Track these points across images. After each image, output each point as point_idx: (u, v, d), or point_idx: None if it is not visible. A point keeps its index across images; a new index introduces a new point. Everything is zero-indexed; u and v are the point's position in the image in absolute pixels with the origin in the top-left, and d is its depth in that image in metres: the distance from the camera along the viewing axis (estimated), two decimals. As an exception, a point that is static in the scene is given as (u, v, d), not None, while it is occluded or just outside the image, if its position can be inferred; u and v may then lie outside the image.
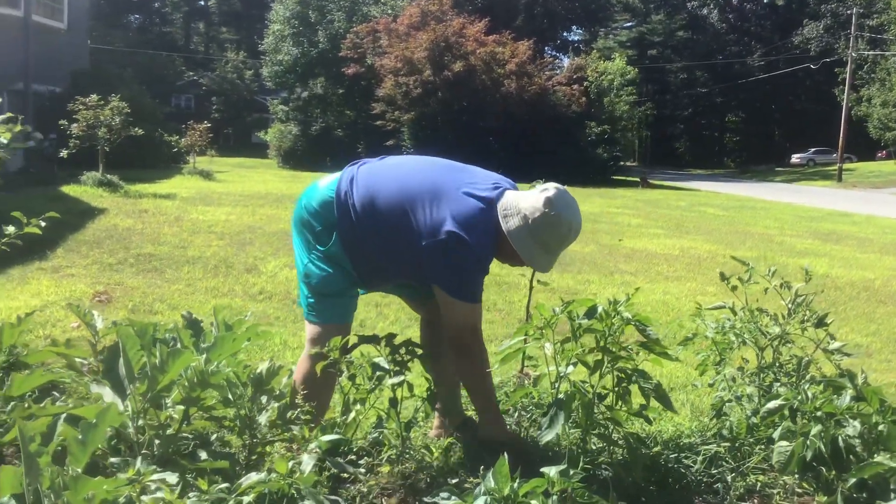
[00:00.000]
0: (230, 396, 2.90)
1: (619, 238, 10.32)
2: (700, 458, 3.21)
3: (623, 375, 2.64)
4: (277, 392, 3.11)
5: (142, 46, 48.76)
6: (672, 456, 3.29)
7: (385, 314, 5.64)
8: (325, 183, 3.00)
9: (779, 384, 3.24)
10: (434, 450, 3.39)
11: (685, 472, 3.16)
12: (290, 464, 2.06)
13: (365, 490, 2.86)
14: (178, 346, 2.68)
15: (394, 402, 2.94)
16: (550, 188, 2.72)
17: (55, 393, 3.48)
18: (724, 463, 3.16)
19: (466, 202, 2.74)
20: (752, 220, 14.43)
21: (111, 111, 11.41)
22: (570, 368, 2.61)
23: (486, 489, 2.03)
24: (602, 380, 2.65)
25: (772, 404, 2.68)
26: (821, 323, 3.32)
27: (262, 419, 2.94)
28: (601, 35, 56.41)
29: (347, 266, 2.96)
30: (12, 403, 2.62)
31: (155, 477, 1.95)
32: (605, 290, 6.87)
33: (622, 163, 33.98)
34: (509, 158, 26.17)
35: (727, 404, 3.19)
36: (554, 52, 47.43)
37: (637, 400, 3.85)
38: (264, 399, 3.02)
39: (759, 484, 2.97)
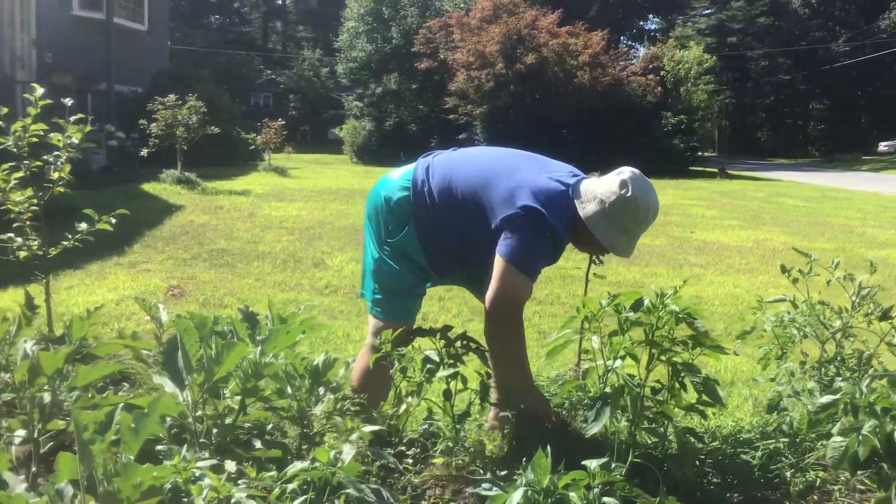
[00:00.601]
0: (285, 388, 2.99)
1: (690, 230, 10.15)
2: (759, 454, 3.16)
3: (673, 369, 2.62)
4: (334, 384, 3.19)
5: (221, 46, 49.88)
6: (730, 451, 3.25)
7: (448, 307, 5.68)
8: (398, 174, 3.03)
9: (840, 379, 3.16)
10: (488, 442, 3.42)
11: (743, 468, 3.12)
12: (332, 453, 2.11)
13: (417, 481, 2.90)
14: (234, 338, 2.77)
15: (448, 395, 2.97)
16: (626, 171, 2.70)
17: (126, 384, 3.62)
18: (783, 459, 3.10)
19: (546, 182, 2.72)
20: (833, 211, 14.00)
21: (188, 110, 11.74)
22: (619, 362, 2.59)
23: (527, 481, 2.04)
24: (650, 373, 2.63)
25: (825, 399, 2.61)
26: (885, 316, 3.23)
27: (317, 410, 3.01)
28: (679, 23, 55.32)
29: (419, 258, 2.98)
30: (76, 393, 2.74)
31: (200, 464, 2.01)
32: (671, 282, 6.76)
33: (700, 153, 33.24)
34: (582, 151, 25.92)
35: (788, 399, 3.13)
36: (629, 42, 46.73)
37: (694, 394, 3.81)
38: (321, 390, 3.09)
39: (818, 480, 2.91)
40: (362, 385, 3.14)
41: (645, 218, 2.68)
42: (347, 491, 2.19)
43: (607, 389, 2.57)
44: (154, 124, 11.77)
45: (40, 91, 3.86)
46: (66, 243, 4.04)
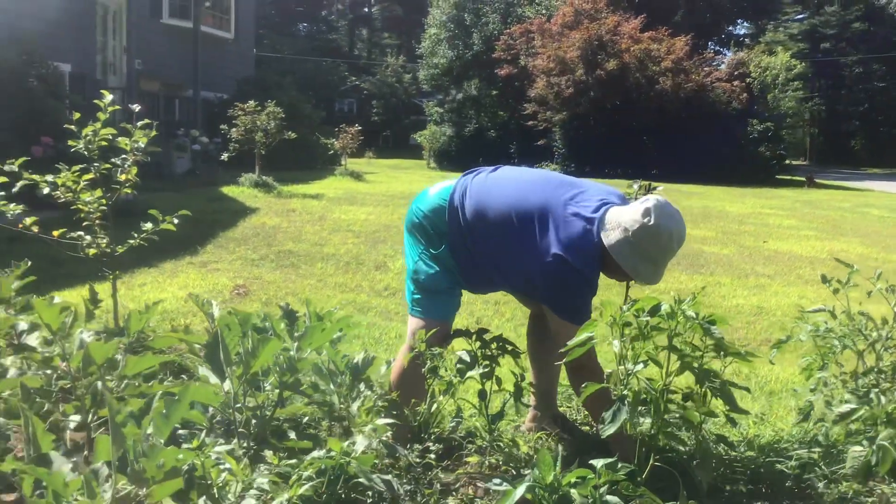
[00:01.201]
0: (327, 383, 3.12)
1: (763, 240, 9.96)
2: (792, 464, 3.16)
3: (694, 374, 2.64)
4: (373, 381, 3.31)
5: (309, 53, 50.93)
6: (763, 460, 3.25)
7: (502, 311, 5.75)
8: (435, 191, 3.16)
9: (877, 390, 3.12)
10: (521, 443, 3.49)
11: (775, 477, 3.11)
12: (346, 444, 2.21)
13: (450, 479, 2.99)
14: (272, 334, 2.92)
15: (482, 395, 3.06)
16: (651, 199, 2.77)
17: (184, 376, 3.82)
18: (817, 469, 3.09)
19: (572, 224, 2.81)
20: (921, 222, 13.52)
21: (267, 116, 12.10)
22: (640, 366, 2.63)
23: (533, 478, 2.11)
24: (676, 379, 2.65)
25: (844, 408, 2.60)
26: (925, 328, 3.18)
27: (355, 406, 3.14)
28: (770, 28, 53.98)
29: (454, 269, 3.10)
30: (125, 382, 2.92)
31: (218, 448, 2.15)
32: (735, 292, 6.69)
33: (788, 161, 32.36)
34: (664, 158, 25.57)
35: (821, 410, 3.10)
36: (717, 48, 45.81)
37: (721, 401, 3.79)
38: (362, 387, 3.22)
39: (850, 492, 2.89)
40: (399, 383, 3.26)
41: (668, 246, 2.73)
42: (360, 479, 2.30)
43: (625, 392, 2.62)
44: (234, 129, 12.16)
45: (109, 97, 4.10)
46: (132, 242, 4.28)
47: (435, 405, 3.15)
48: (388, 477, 2.26)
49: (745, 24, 53.72)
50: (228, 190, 11.60)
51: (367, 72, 52.98)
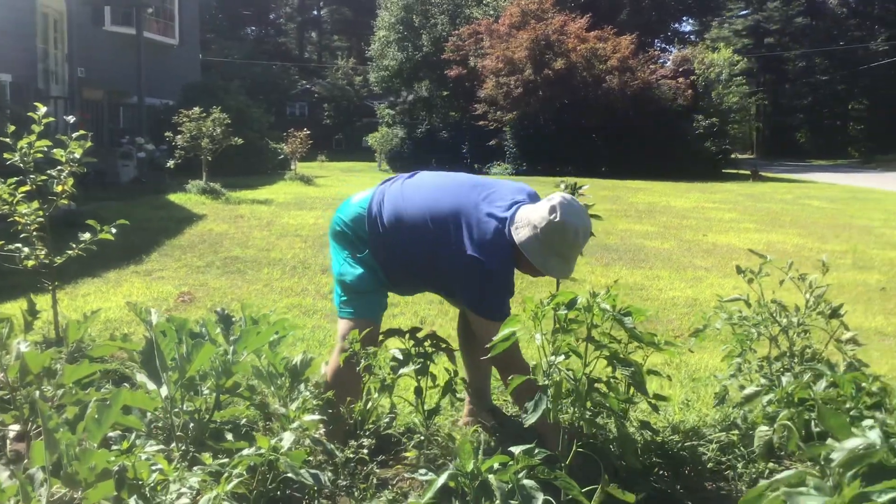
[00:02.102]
0: (258, 383, 3.21)
1: (703, 233, 10.21)
2: (713, 447, 3.32)
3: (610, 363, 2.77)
4: (312, 381, 3.40)
5: (258, 57, 50.63)
6: (688, 445, 3.40)
7: (446, 310, 5.85)
8: (357, 199, 3.27)
9: (789, 373, 3.29)
10: (458, 436, 3.60)
11: (696, 460, 3.27)
12: (273, 440, 2.30)
13: (390, 474, 3.09)
14: (208, 339, 2.98)
15: (418, 392, 3.16)
16: (556, 197, 2.90)
17: (126, 384, 3.86)
18: (736, 450, 3.25)
19: (486, 224, 2.94)
20: (859, 212, 13.92)
21: (213, 122, 12.06)
22: (561, 358, 2.74)
23: (454, 466, 2.21)
24: (589, 368, 2.77)
25: (749, 390, 2.75)
26: (834, 314, 3.37)
27: (293, 406, 3.22)
28: (714, 25, 54.92)
29: (379, 272, 3.21)
30: (62, 390, 2.98)
31: (148, 449, 2.22)
32: (672, 284, 6.87)
33: (734, 156, 32.98)
34: (612, 154, 25.94)
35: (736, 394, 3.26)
36: (663, 45, 46.51)
37: (651, 389, 3.95)
38: (302, 387, 3.31)
39: (767, 470, 3.05)
40: (334, 383, 3.35)
41: (574, 241, 2.87)
42: (289, 474, 2.38)
43: (546, 383, 2.74)
44: (180, 136, 12.12)
45: (43, 110, 4.13)
46: (70, 252, 4.31)
47: (370, 403, 3.24)
48: (316, 471, 2.35)
49: (690, 21, 54.59)
50: (175, 197, 11.55)
51: (318, 75, 52.83)
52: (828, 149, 52.31)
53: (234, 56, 47.14)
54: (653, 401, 3.32)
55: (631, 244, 9.10)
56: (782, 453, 3.00)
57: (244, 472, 2.33)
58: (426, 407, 3.20)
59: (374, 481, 2.84)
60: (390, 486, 2.95)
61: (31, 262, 4.22)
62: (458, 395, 3.41)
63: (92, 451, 2.17)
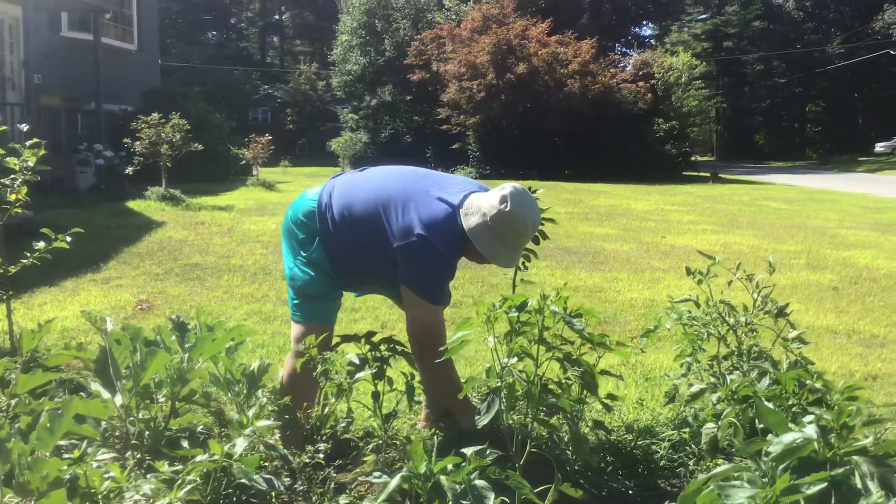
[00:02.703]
0: (215, 390, 3.21)
1: (662, 235, 10.34)
2: (665, 445, 3.38)
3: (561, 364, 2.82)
4: (269, 388, 3.41)
5: (219, 62, 50.26)
6: (641, 443, 3.47)
7: (402, 312, 5.88)
8: (311, 193, 3.28)
9: (737, 372, 3.36)
10: (415, 439, 3.62)
11: (649, 458, 3.33)
12: (227, 446, 2.32)
13: (349, 479, 3.11)
14: (162, 347, 2.99)
15: (375, 396, 3.18)
16: (507, 187, 2.93)
17: (82, 393, 3.84)
18: (687, 448, 3.32)
19: (435, 205, 2.96)
20: (814, 213, 14.19)
21: (172, 129, 11.98)
22: (514, 360, 2.78)
23: (407, 468, 2.25)
24: (541, 370, 2.81)
25: (693, 389, 2.82)
26: (780, 313, 3.44)
27: (251, 413, 3.23)
28: (674, 29, 55.59)
29: (329, 270, 3.22)
30: (15, 400, 2.97)
31: (101, 457, 2.23)
32: (630, 286, 6.97)
33: (694, 158, 33.40)
34: (575, 158, 26.15)
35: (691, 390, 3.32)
36: (624, 50, 46.93)
37: (603, 390, 4.02)
38: (259, 393, 3.32)
39: (716, 467, 3.11)
40: (289, 388, 3.36)
41: (523, 231, 2.90)
42: (242, 481, 2.40)
43: (498, 384, 2.78)
44: (138, 142, 12.01)
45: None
46: (24, 262, 4.28)
47: (327, 407, 3.26)
48: (270, 476, 2.37)
49: (650, 25, 55.19)
50: (134, 204, 11.46)
51: (281, 80, 52.58)
52: (786, 150, 53.18)
53: (195, 61, 46.76)
54: (606, 401, 3.39)
55: (591, 247, 9.20)
56: (733, 450, 3.07)
57: (198, 479, 2.34)
58: (384, 411, 3.22)
59: (332, 486, 2.86)
60: (348, 491, 2.96)
61: (-17, 272, 4.18)
62: (416, 399, 3.43)
63: (44, 461, 2.17)
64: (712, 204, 15.52)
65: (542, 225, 3.74)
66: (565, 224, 11.14)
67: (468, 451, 2.27)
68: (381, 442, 3.14)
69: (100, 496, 2.19)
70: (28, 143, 4.22)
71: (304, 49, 61.97)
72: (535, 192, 4.06)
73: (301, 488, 2.89)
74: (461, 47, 27.46)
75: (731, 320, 3.34)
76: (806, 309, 6.30)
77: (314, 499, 2.79)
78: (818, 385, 2.59)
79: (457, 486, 2.21)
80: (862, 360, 4.91)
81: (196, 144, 12.17)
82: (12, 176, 4.18)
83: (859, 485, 1.68)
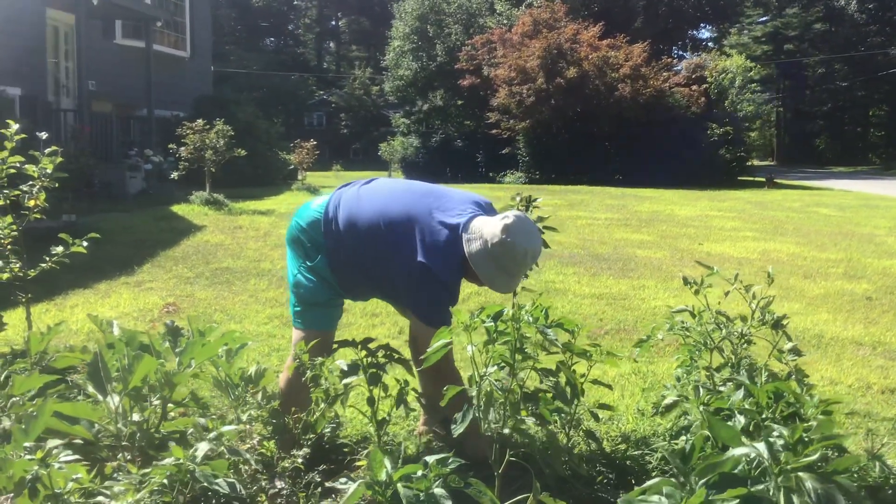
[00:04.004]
0: (227, 395, 3.28)
1: (699, 242, 10.19)
2: (657, 455, 3.36)
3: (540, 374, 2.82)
4: (269, 392, 3.47)
5: (276, 68, 51.07)
6: (635, 453, 3.45)
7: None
8: (315, 204, 3.35)
9: (731, 383, 3.32)
10: (411, 445, 3.66)
11: (643, 468, 3.31)
12: (190, 451, 2.37)
13: (343, 482, 3.14)
14: (152, 352, 3.06)
15: (370, 401, 3.22)
16: (511, 216, 2.96)
17: (81, 396, 3.91)
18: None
19: (436, 232, 3.01)
20: (865, 220, 13.81)
21: (216, 134, 12.21)
22: (493, 369, 2.79)
23: (368, 476, 2.28)
24: (519, 379, 2.80)
25: (668, 400, 2.79)
26: (777, 325, 3.39)
27: (245, 416, 3.30)
28: (733, 31, 54.68)
29: (332, 280, 3.28)
30: (12, 400, 3.07)
31: (63, 458, 2.29)
32: (657, 294, 6.88)
33: (750, 163, 32.75)
34: (626, 163, 25.91)
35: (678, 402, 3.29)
36: (680, 53, 46.36)
37: (593, 398, 4.00)
38: (259, 397, 3.38)
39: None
40: (285, 393, 3.42)
41: (523, 261, 2.94)
42: (203, 484, 2.45)
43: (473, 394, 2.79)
44: (183, 148, 12.28)
45: (15, 127, 4.24)
46: (43, 265, 4.41)
47: (318, 413, 3.29)
48: (233, 480, 2.42)
49: (708, 27, 54.40)
50: (178, 208, 11.70)
51: (336, 85, 53.17)
52: (848, 155, 51.91)
53: (252, 67, 47.57)
54: (595, 410, 3.37)
55: (623, 253, 9.11)
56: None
57: (165, 482, 2.39)
58: (380, 416, 3.26)
59: (318, 490, 2.90)
60: (334, 496, 3.00)
61: (5, 275, 4.31)
62: (409, 406, 3.45)
63: (12, 461, 2.25)
64: (760, 210, 15.22)
65: (548, 229, 3.72)
66: (601, 230, 11.05)
67: (430, 458, 2.29)
68: (374, 447, 3.17)
69: (65, 496, 2.26)
70: (47, 150, 4.35)
71: (360, 54, 62.54)
72: (534, 200, 4.06)
73: (285, 492, 2.93)
74: (512, 52, 27.43)
75: (724, 331, 3.30)
76: (834, 319, 6.15)
77: (300, 501, 2.84)
78: (791, 399, 2.54)
79: (412, 494, 2.23)
80: (882, 372, 4.78)
81: (239, 150, 12.39)
82: (30, 182, 4.31)
83: (782, 502, 1.66)
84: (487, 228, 2.95)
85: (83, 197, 11.00)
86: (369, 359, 3.25)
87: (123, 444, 2.87)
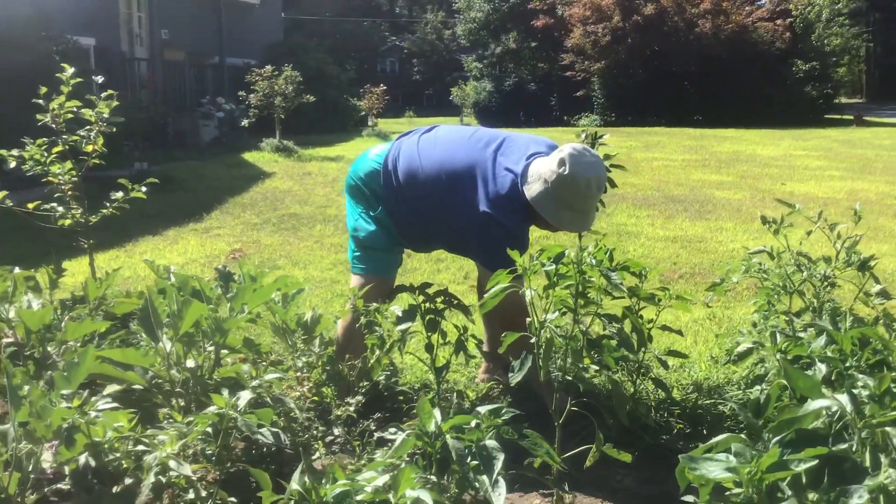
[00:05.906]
0: (286, 341, 3.21)
1: (782, 182, 9.74)
2: (731, 405, 3.18)
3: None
4: (326, 338, 3.39)
5: (348, 14, 50.78)
6: (706, 402, 3.28)
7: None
8: (374, 154, 3.24)
9: (812, 329, 3.10)
10: (471, 393, 3.54)
11: (715, 417, 3.15)
12: (232, 399, 2.29)
13: (392, 432, 3.06)
14: (202, 297, 2.99)
15: (429, 348, 3.11)
16: (567, 148, 2.79)
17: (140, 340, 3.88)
18: (756, 408, 3.09)
19: (501, 180, 2.88)
20: (962, 158, 13.05)
21: (284, 80, 12.17)
22: (554, 315, 2.63)
23: (418, 426, 2.16)
24: (582, 325, 2.64)
25: (741, 348, 2.60)
26: (864, 266, 3.16)
27: (300, 363, 3.22)
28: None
29: (392, 229, 3.17)
30: (63, 346, 3.05)
31: (101, 406, 2.23)
32: (735, 237, 6.59)
33: (838, 100, 31.32)
34: (706, 103, 25.01)
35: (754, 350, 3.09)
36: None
37: (663, 345, 3.80)
38: (317, 343, 3.30)
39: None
40: (343, 340, 3.35)
41: (587, 193, 2.76)
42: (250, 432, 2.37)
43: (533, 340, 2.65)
44: (252, 95, 12.28)
45: (70, 71, 4.20)
46: (104, 211, 4.40)
47: (373, 360, 3.20)
48: (277, 430, 2.33)
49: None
50: (249, 155, 11.75)
51: (408, 30, 52.71)
52: (946, 91, 49.24)
53: (324, 13, 47.42)
54: (664, 357, 3.19)
55: (700, 195, 8.76)
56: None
57: (209, 430, 2.32)
58: (439, 364, 3.16)
59: (374, 439, 2.82)
60: (389, 444, 2.90)
61: (67, 221, 4.32)
62: (470, 354, 3.34)
63: (51, 409, 2.19)
64: (848, 149, 14.51)
65: (611, 171, 3.52)
66: (678, 172, 10.67)
67: (483, 409, 2.16)
68: (434, 395, 3.07)
69: (104, 445, 2.20)
70: (103, 94, 4.30)
71: (432, -2, 61.74)
72: (600, 137, 3.83)
73: (340, 440, 2.86)
74: (586, -11, 26.65)
75: (805, 273, 3.07)
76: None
77: (357, 450, 2.77)
78: (879, 346, 2.32)
79: (462, 446, 2.11)
80: (980, 318, 4.45)
81: (308, 96, 12.33)
82: (87, 127, 4.27)
83: (868, 462, 1.48)
84: (544, 167, 2.79)
85: (157, 145, 11.12)
86: (427, 304, 3.13)
87: (177, 390, 2.82)
